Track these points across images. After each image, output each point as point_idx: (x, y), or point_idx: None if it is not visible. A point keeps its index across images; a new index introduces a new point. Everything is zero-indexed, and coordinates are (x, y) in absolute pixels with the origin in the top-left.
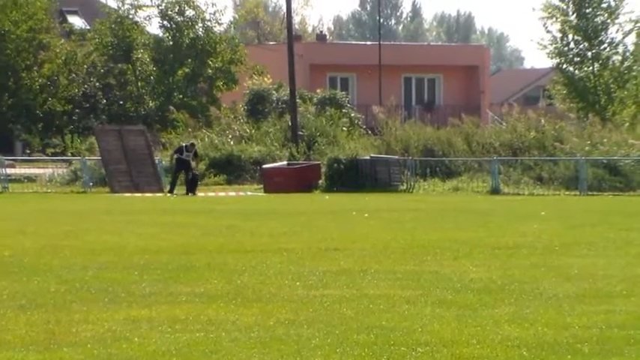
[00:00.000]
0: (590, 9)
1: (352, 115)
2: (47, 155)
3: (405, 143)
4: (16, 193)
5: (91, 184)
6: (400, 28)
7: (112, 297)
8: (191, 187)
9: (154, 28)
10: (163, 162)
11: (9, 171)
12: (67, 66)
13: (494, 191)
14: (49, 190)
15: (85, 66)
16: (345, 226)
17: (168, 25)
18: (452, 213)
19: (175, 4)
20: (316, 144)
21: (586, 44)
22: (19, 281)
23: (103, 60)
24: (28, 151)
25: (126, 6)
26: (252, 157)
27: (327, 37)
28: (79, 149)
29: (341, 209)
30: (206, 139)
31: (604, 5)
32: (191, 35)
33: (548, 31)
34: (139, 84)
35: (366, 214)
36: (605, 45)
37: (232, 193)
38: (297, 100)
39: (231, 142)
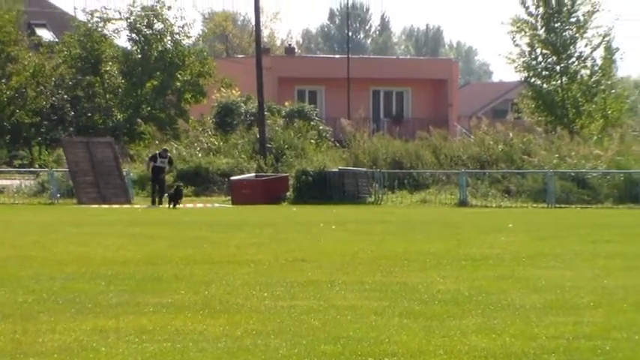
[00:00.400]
0: (559, 23)
1: (320, 127)
2: (14, 167)
3: (373, 156)
4: None
5: (59, 195)
6: (369, 41)
7: (79, 307)
8: (174, 199)
9: (123, 41)
10: (131, 174)
11: None
12: (35, 78)
13: (462, 203)
14: (16, 202)
15: (53, 78)
16: (312, 238)
17: (137, 38)
18: (420, 225)
19: (144, 17)
20: (284, 156)
21: (554, 58)
22: None
23: (71, 72)
24: None
25: (94, 19)
26: (220, 169)
27: (296, 50)
28: (47, 161)
29: (309, 221)
30: (174, 152)
31: (573, 20)
32: (159, 48)
33: (516, 45)
34: (107, 96)
35: (334, 226)
36: (574, 59)
37: (200, 205)
38: (266, 113)
39: (199, 155)
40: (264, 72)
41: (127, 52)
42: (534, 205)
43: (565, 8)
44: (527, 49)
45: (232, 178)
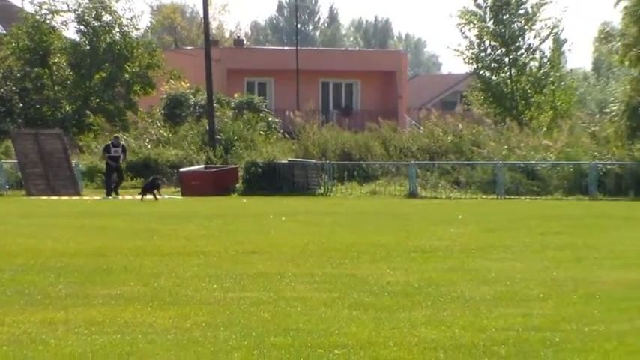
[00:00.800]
0: (508, 15)
1: (270, 119)
2: None
3: (323, 147)
4: None
5: (7, 187)
6: (317, 33)
7: (29, 299)
8: (149, 190)
9: (71, 32)
10: (80, 165)
11: None
12: None
13: (412, 195)
14: None
15: (1, 70)
16: (262, 230)
17: (85, 30)
18: (369, 216)
19: (92, 9)
20: (234, 148)
21: (503, 50)
22: None
23: (19, 64)
24: None
25: (43, 11)
26: (170, 160)
27: (245, 42)
28: None
29: (258, 212)
30: (122, 143)
31: (521, 11)
32: (108, 40)
33: (465, 37)
34: (56, 88)
35: (284, 218)
36: (523, 51)
37: (149, 197)
38: (215, 105)
39: (148, 146)
40: (213, 64)
41: (75, 44)
42: (484, 197)
43: (514, 0)
44: (475, 41)
45: (181, 169)
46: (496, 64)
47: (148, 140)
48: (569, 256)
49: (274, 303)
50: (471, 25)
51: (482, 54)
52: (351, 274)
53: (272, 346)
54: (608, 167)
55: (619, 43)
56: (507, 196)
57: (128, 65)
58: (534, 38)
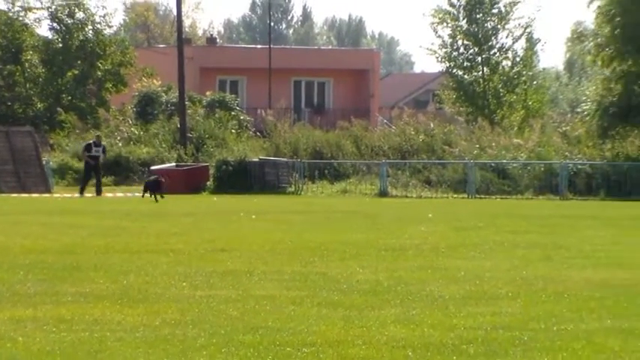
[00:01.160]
0: (481, 14)
1: (241, 117)
2: None
3: (294, 146)
4: None
5: None
6: (291, 32)
7: None
8: (152, 190)
9: (44, 30)
10: (51, 163)
11: None
12: None
13: (383, 194)
14: None
15: None
16: (232, 228)
17: (58, 28)
18: (340, 215)
19: (65, 6)
20: (205, 146)
21: (476, 49)
22: None
23: None
24: None
25: (16, 8)
26: (141, 158)
27: (218, 40)
28: None
29: (229, 210)
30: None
31: (495, 11)
32: (81, 37)
33: (438, 36)
34: (28, 85)
35: (254, 216)
36: (495, 50)
37: (120, 194)
38: (187, 103)
39: (120, 144)
40: (186, 62)
41: (48, 41)
42: (455, 196)
43: None
44: (449, 40)
45: (153, 167)
46: (469, 63)
47: (119, 138)
48: (539, 255)
49: (243, 301)
50: (445, 24)
51: (455, 53)
52: (321, 273)
53: (240, 344)
54: (579, 167)
55: (592, 43)
56: (478, 195)
57: (100, 63)
58: (507, 37)
